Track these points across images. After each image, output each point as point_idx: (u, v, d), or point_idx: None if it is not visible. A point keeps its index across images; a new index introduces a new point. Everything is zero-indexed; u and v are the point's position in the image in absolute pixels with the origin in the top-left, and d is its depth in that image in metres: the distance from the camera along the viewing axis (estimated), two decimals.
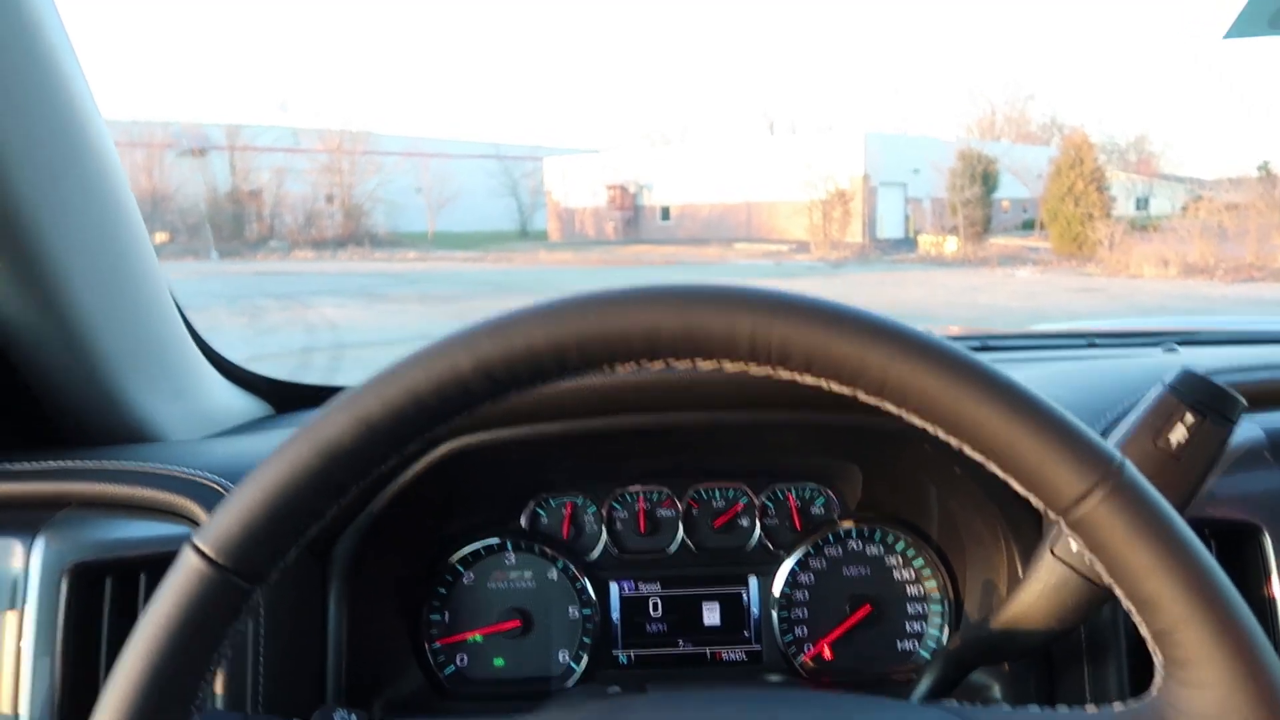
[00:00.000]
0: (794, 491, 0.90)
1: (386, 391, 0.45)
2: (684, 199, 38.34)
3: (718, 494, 0.91)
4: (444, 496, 0.86)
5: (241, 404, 1.07)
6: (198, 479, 0.74)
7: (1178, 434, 0.60)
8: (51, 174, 0.69)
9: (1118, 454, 0.42)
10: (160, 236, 33.67)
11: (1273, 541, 0.69)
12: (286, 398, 1.14)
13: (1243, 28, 0.57)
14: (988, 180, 27.43)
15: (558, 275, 20.55)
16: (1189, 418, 0.60)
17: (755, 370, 0.45)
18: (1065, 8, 78.30)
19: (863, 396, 0.44)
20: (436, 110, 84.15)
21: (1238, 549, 0.71)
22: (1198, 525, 0.69)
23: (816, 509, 0.91)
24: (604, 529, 0.90)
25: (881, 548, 0.89)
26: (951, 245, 25.15)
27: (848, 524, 0.89)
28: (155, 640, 0.41)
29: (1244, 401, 0.60)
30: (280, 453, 0.44)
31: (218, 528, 0.43)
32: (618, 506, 0.90)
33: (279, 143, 36.87)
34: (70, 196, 0.72)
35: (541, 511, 0.91)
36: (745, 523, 0.91)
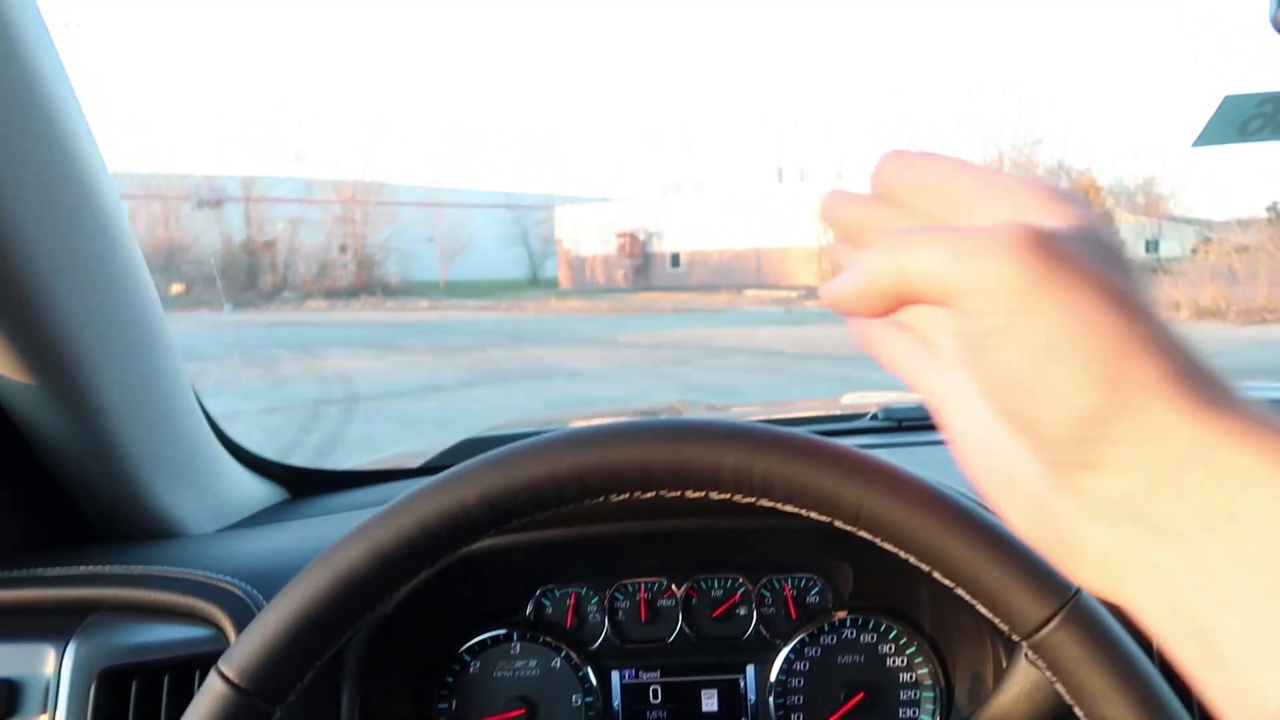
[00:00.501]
0: (790, 582, 0.94)
1: (398, 523, 0.48)
2: (694, 245, 38.60)
3: (716, 584, 0.94)
4: (451, 594, 0.90)
5: (259, 491, 1.11)
6: (221, 584, 0.77)
7: None
8: (76, 269, 0.73)
9: (1073, 584, 0.46)
10: (176, 288, 34.05)
11: None
12: (303, 483, 1.18)
13: (1211, 136, 0.62)
14: None
15: (569, 324, 20.68)
16: None
17: (741, 500, 0.49)
18: (1071, 52, 79.09)
19: (840, 525, 0.48)
20: (449, 159, 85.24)
21: None
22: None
23: (812, 598, 0.94)
24: (606, 619, 0.93)
25: (875, 636, 0.92)
26: None
27: (842, 614, 0.92)
28: None
29: None
30: (299, 582, 0.48)
31: (242, 654, 0.47)
32: (620, 597, 0.94)
33: (294, 193, 37.38)
34: (96, 291, 0.75)
35: (546, 602, 0.94)
36: (743, 612, 0.94)
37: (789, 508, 0.49)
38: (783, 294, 29.37)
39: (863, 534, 0.48)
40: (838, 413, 1.40)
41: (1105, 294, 0.27)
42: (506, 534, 0.86)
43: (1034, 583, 0.46)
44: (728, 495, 0.49)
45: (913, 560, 0.48)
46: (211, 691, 0.47)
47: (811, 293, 28.38)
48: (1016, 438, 0.30)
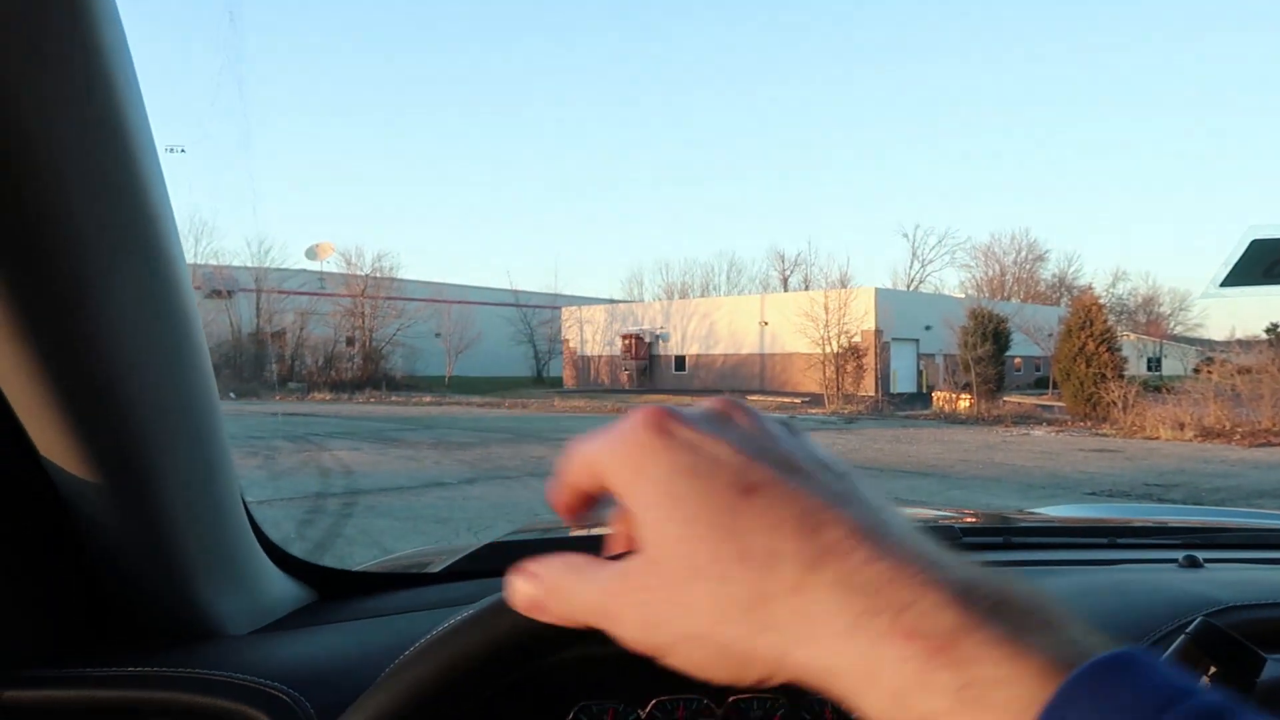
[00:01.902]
0: (831, 706, 0.92)
1: (469, 638, 0.48)
2: (698, 349, 38.86)
3: (756, 704, 0.93)
4: (485, 713, 0.89)
5: (290, 592, 1.10)
6: (268, 690, 0.77)
7: (1212, 672, 0.63)
8: (153, 364, 0.73)
9: None
10: None
11: None
12: (332, 584, 1.17)
13: (1238, 277, 0.64)
14: (999, 338, 27.79)
15: (572, 422, 20.66)
16: (1211, 670, 0.63)
17: None
18: (1072, 173, 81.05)
19: None
20: (459, 257, 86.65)
21: None
22: None
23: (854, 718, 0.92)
24: None
25: None
26: (964, 402, 25.23)
27: None
28: None
29: (1264, 657, 0.64)
30: (374, 693, 0.48)
31: None
32: (658, 714, 0.92)
33: (305, 286, 37.90)
34: (167, 387, 0.75)
35: (584, 718, 0.93)
36: None
37: None
38: (786, 400, 29.42)
39: None
40: None
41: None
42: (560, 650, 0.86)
43: None
44: None
45: None
46: None
47: (815, 399, 28.45)
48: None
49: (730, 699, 0.93)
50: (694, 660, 0.35)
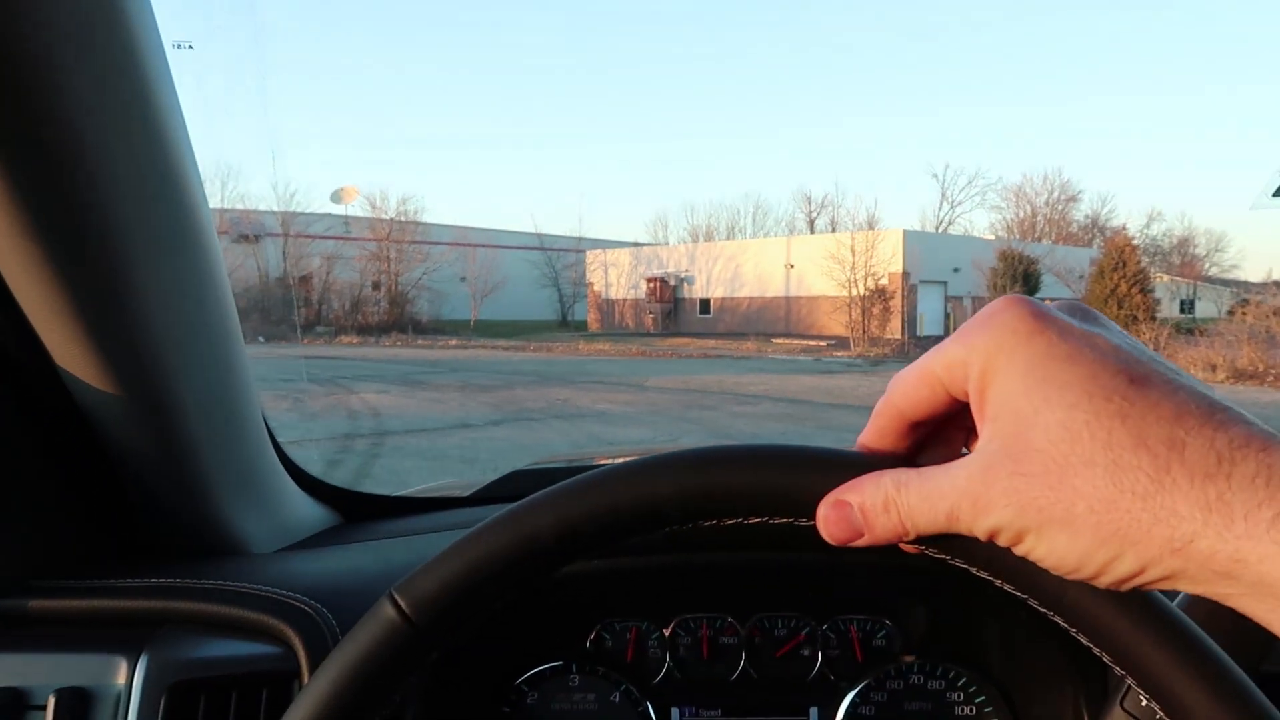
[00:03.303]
0: (856, 624, 0.92)
1: (590, 498, 0.46)
2: (723, 293, 38.70)
3: (780, 623, 0.92)
4: (512, 622, 0.89)
5: (315, 514, 1.11)
6: (293, 601, 0.77)
7: None
8: (172, 286, 0.73)
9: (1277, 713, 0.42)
10: None
11: None
12: (355, 507, 1.18)
13: None
14: (1029, 280, 27.45)
15: (596, 365, 20.72)
16: None
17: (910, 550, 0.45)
18: (1110, 112, 79.19)
19: (1001, 586, 0.43)
20: (483, 199, 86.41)
21: None
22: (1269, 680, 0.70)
23: (879, 641, 0.91)
24: (667, 654, 0.92)
25: (944, 683, 0.90)
26: None
27: (910, 658, 0.90)
28: (345, 670, 0.46)
29: None
30: (482, 533, 0.47)
31: (420, 588, 0.46)
32: (681, 632, 0.92)
33: (331, 230, 37.96)
34: (186, 308, 0.76)
35: (607, 635, 0.93)
36: (807, 653, 0.92)
37: (932, 552, 0.43)
38: (811, 343, 29.32)
39: (1019, 594, 0.43)
40: None
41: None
42: (586, 560, 0.85)
43: (1239, 711, 0.42)
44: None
45: (1073, 632, 0.43)
46: (380, 617, 0.46)
47: (841, 342, 28.34)
48: None
49: (754, 617, 0.92)
50: (1061, 548, 0.35)
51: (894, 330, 29.97)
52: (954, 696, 0.89)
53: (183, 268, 0.74)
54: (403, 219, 39.41)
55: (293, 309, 35.55)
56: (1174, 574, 0.33)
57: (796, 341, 30.09)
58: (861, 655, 0.91)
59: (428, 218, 41.54)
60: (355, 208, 40.70)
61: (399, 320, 35.44)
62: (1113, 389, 0.33)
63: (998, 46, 79.75)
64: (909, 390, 0.41)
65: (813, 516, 0.44)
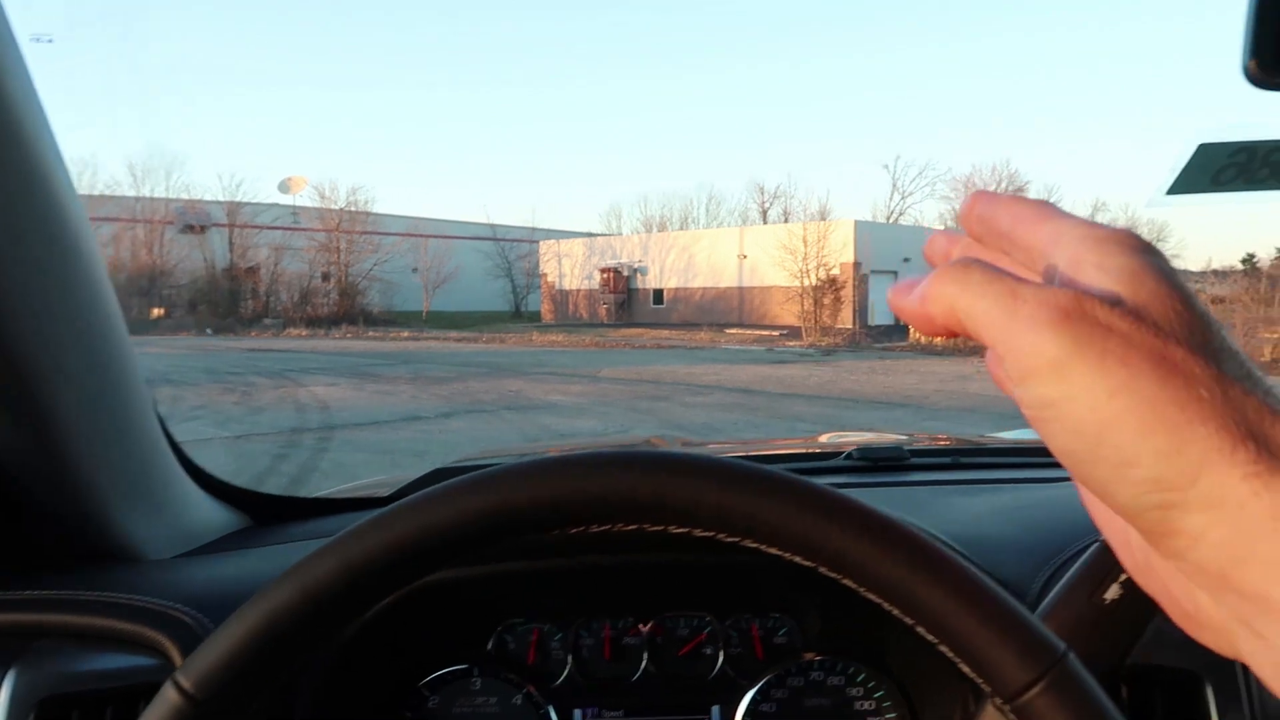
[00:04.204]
0: (758, 622, 0.92)
1: (372, 539, 0.46)
2: (677, 283, 38.78)
3: (683, 622, 0.92)
4: (411, 625, 0.87)
5: (220, 517, 1.08)
6: (170, 612, 0.75)
7: (1113, 591, 0.62)
8: (38, 284, 0.71)
9: (1061, 644, 0.44)
10: (156, 311, 33.87)
11: (1212, 689, 0.71)
12: (266, 510, 1.15)
13: (1185, 184, 0.62)
14: None
15: (550, 357, 20.66)
16: (1124, 576, 0.62)
17: (724, 539, 0.48)
18: (1052, 101, 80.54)
19: (824, 571, 0.47)
20: (435, 189, 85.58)
21: (1183, 696, 0.73)
22: (1141, 672, 0.71)
23: (780, 639, 0.92)
24: (570, 655, 0.91)
25: (843, 679, 0.90)
26: None
27: (810, 655, 0.90)
28: None
29: None
30: (265, 594, 0.46)
31: (202, 664, 0.45)
32: (584, 633, 0.92)
33: (279, 221, 37.40)
34: (57, 307, 0.74)
35: (509, 637, 0.92)
36: (709, 651, 0.92)
37: (772, 550, 0.48)
38: (764, 333, 29.50)
39: (846, 582, 0.47)
40: (814, 450, 1.40)
41: (1150, 361, 0.26)
42: (469, 566, 0.84)
43: (1019, 643, 0.44)
44: (711, 534, 0.48)
45: (896, 613, 0.47)
46: (165, 702, 0.45)
47: (793, 332, 28.56)
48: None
49: (656, 617, 0.92)
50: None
51: (845, 320, 30.27)
52: (853, 692, 0.90)
53: (52, 264, 0.72)
54: (353, 209, 38.92)
55: (240, 301, 34.99)
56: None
57: (749, 331, 30.27)
58: (763, 653, 0.91)
59: (378, 208, 41.08)
60: (304, 197, 40.15)
61: (349, 312, 35.03)
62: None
63: (947, 39, 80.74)
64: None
65: (705, 527, 0.46)
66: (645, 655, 0.91)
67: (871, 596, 0.46)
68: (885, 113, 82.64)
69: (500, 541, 0.48)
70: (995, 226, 0.34)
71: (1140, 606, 0.63)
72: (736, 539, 0.48)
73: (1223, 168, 0.53)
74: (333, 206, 38.80)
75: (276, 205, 38.83)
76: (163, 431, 0.98)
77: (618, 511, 0.48)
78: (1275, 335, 18.78)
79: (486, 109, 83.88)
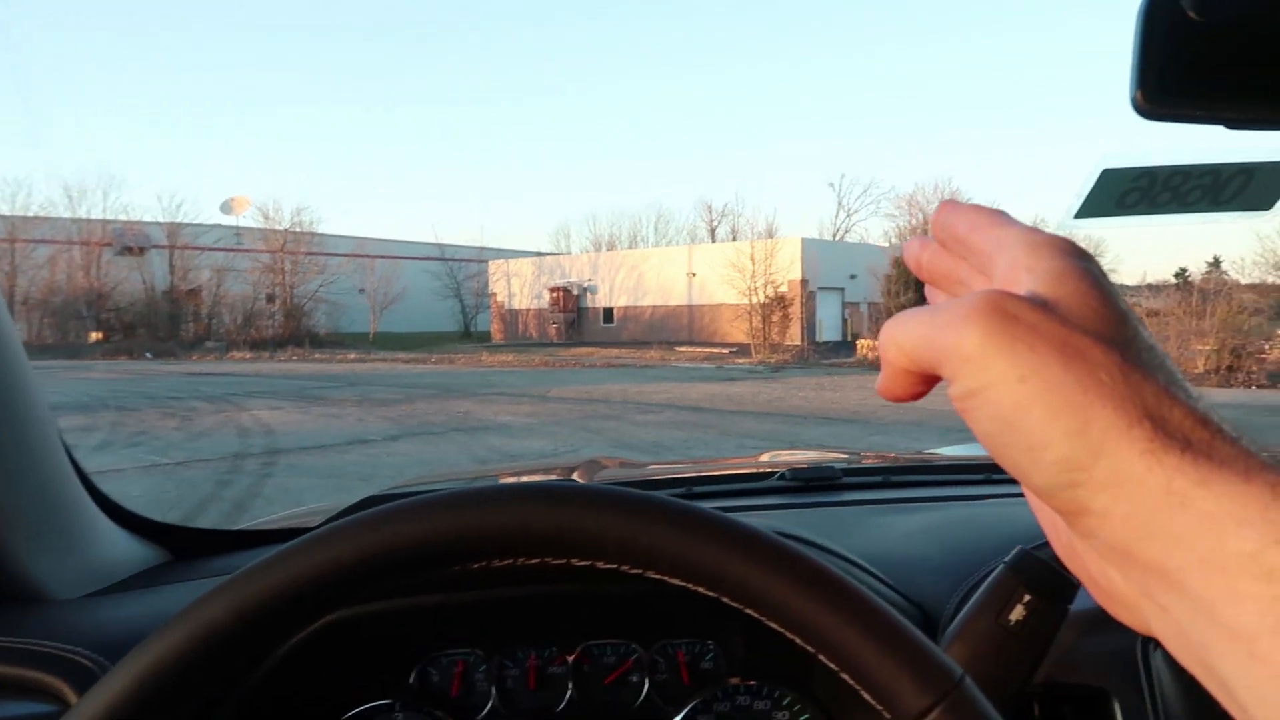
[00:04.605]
0: (684, 648, 0.92)
1: (266, 579, 0.45)
2: (626, 301, 38.84)
3: (609, 650, 0.92)
4: (329, 661, 0.86)
5: (135, 553, 1.05)
6: (71, 656, 0.73)
7: (1017, 613, 0.63)
8: None
9: (958, 669, 0.45)
10: (94, 335, 33.04)
11: (1120, 705, 0.72)
12: (185, 544, 1.13)
13: (1091, 208, 0.63)
14: (922, 286, 28.16)
15: (499, 377, 20.54)
16: (1026, 598, 0.63)
17: (627, 571, 0.48)
18: (992, 119, 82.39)
19: (726, 601, 0.47)
20: (382, 209, 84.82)
21: (1092, 713, 0.74)
22: (1051, 690, 0.72)
23: (706, 664, 0.92)
24: (494, 686, 0.90)
25: (769, 703, 0.90)
26: None
27: (736, 680, 0.90)
28: None
29: (1077, 583, 0.64)
30: (152, 640, 0.45)
31: (87, 712, 0.43)
32: (508, 664, 0.91)
33: (221, 242, 36.78)
34: None
35: (432, 670, 0.90)
36: (635, 679, 0.91)
37: (675, 581, 0.48)
38: (714, 350, 29.64)
39: (748, 611, 0.47)
40: (750, 471, 1.40)
41: (1054, 348, 0.29)
42: (390, 598, 0.83)
43: (916, 669, 0.44)
44: (613, 566, 0.48)
45: (797, 641, 0.47)
46: None
47: (743, 349, 28.74)
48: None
49: (581, 645, 0.91)
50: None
51: (794, 337, 30.57)
52: (779, 716, 0.90)
53: None
54: (298, 229, 38.38)
55: (181, 324, 34.28)
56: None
57: (699, 349, 30.40)
58: (688, 678, 0.91)
59: (324, 228, 40.55)
60: (247, 218, 39.56)
61: (295, 334, 34.49)
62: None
63: (889, 59, 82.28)
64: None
65: (607, 560, 0.46)
66: (570, 684, 0.91)
67: (774, 625, 0.47)
68: (831, 131, 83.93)
69: (399, 579, 0.47)
70: (954, 232, 0.36)
71: (1043, 627, 0.64)
72: (640, 571, 0.47)
73: (1126, 191, 0.55)
74: (277, 227, 38.25)
75: (219, 226, 38.21)
76: (72, 465, 0.95)
77: (519, 546, 0.47)
78: (1207, 347, 19.35)
79: (434, 128, 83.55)
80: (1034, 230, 0.33)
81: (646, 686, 0.91)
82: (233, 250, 36.82)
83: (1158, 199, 0.56)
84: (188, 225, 36.01)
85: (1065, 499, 0.29)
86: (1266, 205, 0.49)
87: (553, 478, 1.45)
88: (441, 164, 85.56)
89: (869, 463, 1.63)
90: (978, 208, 0.36)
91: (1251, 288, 23.88)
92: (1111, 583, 0.32)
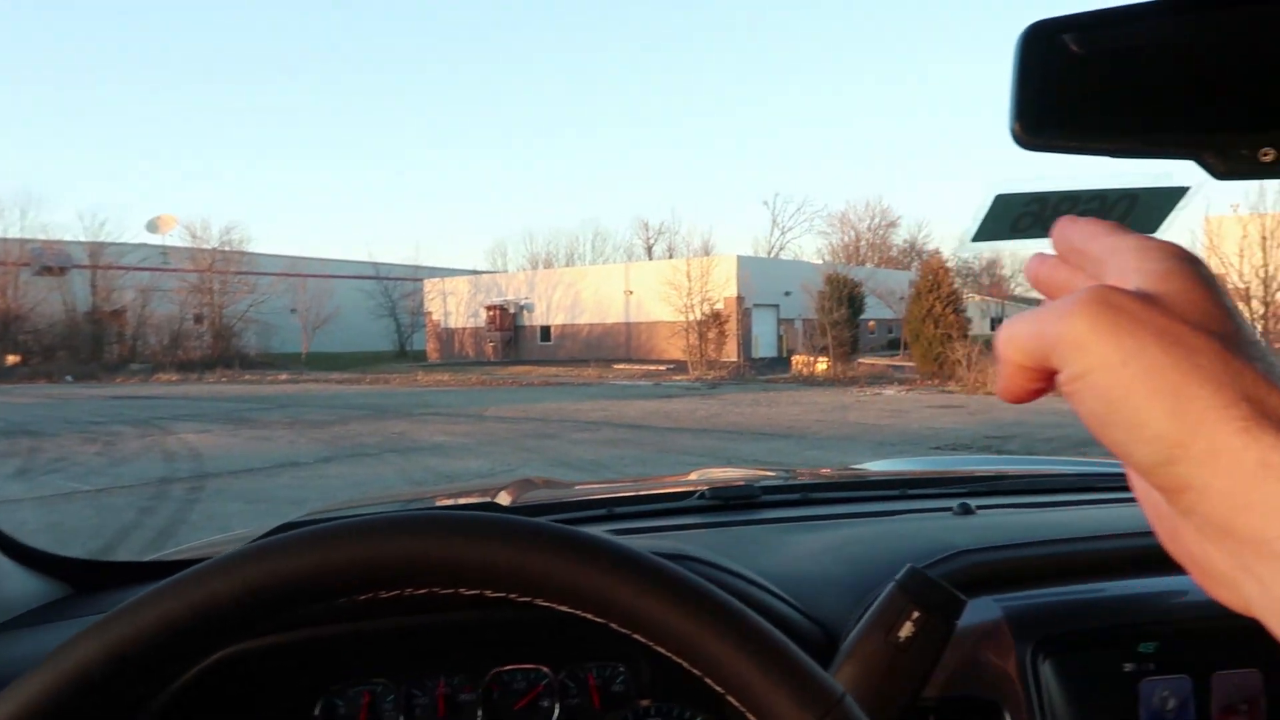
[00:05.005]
0: (595, 670, 0.92)
1: (140, 618, 0.44)
2: (564, 319, 38.76)
3: (519, 675, 0.91)
4: (230, 697, 0.84)
5: (32, 588, 1.02)
6: None
7: (906, 629, 0.65)
8: None
9: (839, 687, 0.46)
10: (11, 359, 31.86)
11: (1009, 718, 0.74)
12: (87, 577, 1.09)
13: (987, 233, 0.65)
14: (854, 302, 28.80)
15: (436, 397, 20.31)
16: (915, 615, 0.65)
17: (518, 599, 0.48)
18: (921, 141, 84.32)
19: (615, 626, 0.47)
20: (316, 229, 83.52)
21: None
22: (944, 705, 0.74)
23: (617, 687, 0.92)
24: (402, 716, 0.89)
25: None
26: (822, 365, 26.08)
27: (646, 702, 0.91)
28: None
29: (963, 600, 0.67)
30: (20, 685, 0.44)
31: None
32: (417, 692, 0.90)
33: (147, 261, 35.84)
34: None
35: (338, 701, 0.89)
36: (546, 703, 0.91)
37: (564, 608, 0.48)
38: (651, 367, 29.71)
39: (638, 636, 0.48)
40: (672, 491, 1.41)
41: (1154, 335, 0.31)
42: (289, 630, 0.81)
43: (796, 688, 0.45)
44: (503, 594, 0.48)
45: (684, 664, 0.47)
46: None
47: (680, 366, 28.84)
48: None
49: (491, 671, 0.91)
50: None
51: (730, 353, 30.79)
52: None
53: None
54: (227, 249, 37.57)
55: (105, 346, 33.26)
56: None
57: (637, 366, 30.45)
58: (599, 702, 0.91)
59: (254, 247, 39.77)
60: (174, 237, 38.61)
61: (224, 355, 33.70)
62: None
63: (820, 81, 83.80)
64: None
65: (498, 588, 0.46)
66: (481, 711, 0.90)
67: (661, 650, 0.47)
68: (764, 151, 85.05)
69: (285, 614, 0.46)
70: (1072, 243, 0.39)
71: (932, 643, 0.66)
72: (529, 599, 0.48)
73: (1019, 216, 0.57)
74: (205, 246, 37.40)
75: (145, 245, 37.21)
76: None
77: (407, 578, 0.47)
78: None
79: (368, 146, 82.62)
80: (1146, 237, 0.36)
81: (557, 711, 0.91)
82: (159, 270, 35.88)
83: (1049, 223, 0.58)
84: (111, 244, 35.00)
85: (1165, 475, 0.31)
86: (1151, 229, 0.51)
87: (482, 499, 1.44)
88: (376, 183, 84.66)
89: (803, 479, 1.65)
90: (1094, 220, 0.39)
91: None
92: (1211, 561, 0.33)
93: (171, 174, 75.25)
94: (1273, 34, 0.37)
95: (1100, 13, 0.40)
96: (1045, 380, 0.36)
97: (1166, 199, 0.49)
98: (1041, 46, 0.39)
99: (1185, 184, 0.48)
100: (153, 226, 38.51)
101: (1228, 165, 0.39)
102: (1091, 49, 0.39)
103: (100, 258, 34.12)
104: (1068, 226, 0.40)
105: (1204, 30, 0.38)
